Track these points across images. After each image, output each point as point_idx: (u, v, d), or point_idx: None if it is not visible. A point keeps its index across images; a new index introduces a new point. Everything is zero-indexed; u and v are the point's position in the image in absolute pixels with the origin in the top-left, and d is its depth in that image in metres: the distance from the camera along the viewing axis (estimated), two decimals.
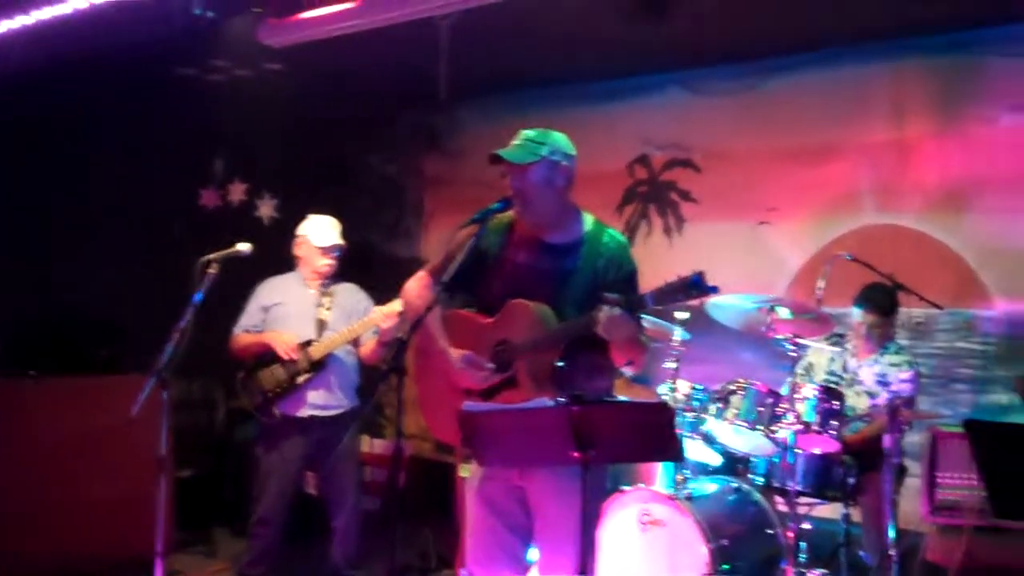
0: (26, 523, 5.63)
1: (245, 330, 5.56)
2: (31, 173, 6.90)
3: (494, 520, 3.74)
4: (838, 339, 5.63)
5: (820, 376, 5.57)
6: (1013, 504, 3.24)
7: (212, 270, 4.52)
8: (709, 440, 5.32)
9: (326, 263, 5.56)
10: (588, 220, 3.85)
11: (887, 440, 4.57)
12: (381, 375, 5.61)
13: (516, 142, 3.75)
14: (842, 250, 5.83)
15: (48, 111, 6.58)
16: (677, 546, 4.84)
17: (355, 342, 5.52)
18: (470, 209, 3.77)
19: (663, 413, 3.35)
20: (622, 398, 4.61)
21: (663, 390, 5.25)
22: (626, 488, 5.09)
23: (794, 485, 4.95)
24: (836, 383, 5.41)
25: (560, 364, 3.62)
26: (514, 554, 3.76)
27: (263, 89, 6.91)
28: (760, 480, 5.32)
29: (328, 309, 5.56)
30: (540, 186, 3.70)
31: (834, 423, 5.00)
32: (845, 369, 5.59)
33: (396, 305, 5.03)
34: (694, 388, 5.26)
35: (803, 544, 4.98)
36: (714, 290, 3.38)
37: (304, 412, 5.46)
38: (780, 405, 5.02)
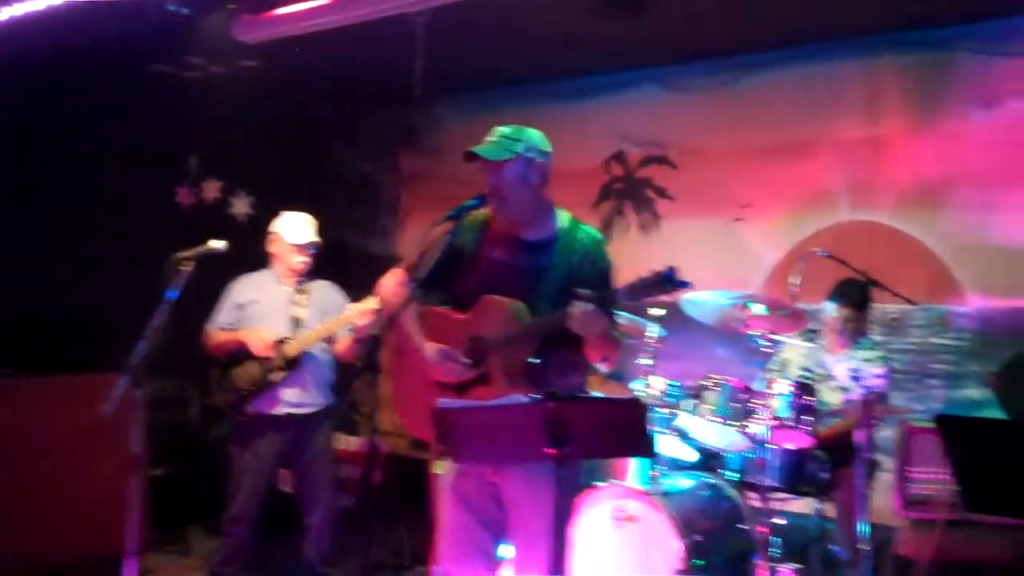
0: None
1: (220, 328, 5.54)
2: (0, 171, 6.85)
3: (468, 516, 3.74)
4: (812, 335, 5.65)
5: (794, 372, 5.59)
6: (984, 498, 3.26)
7: (186, 267, 4.50)
8: (683, 436, 5.33)
9: (301, 260, 5.55)
10: (563, 217, 3.85)
11: (859, 435, 4.59)
12: (356, 372, 5.62)
13: (491, 139, 3.74)
14: (817, 247, 5.85)
15: (19, 108, 6.52)
16: (651, 542, 4.85)
17: (330, 340, 5.51)
18: (446, 206, 3.76)
19: (636, 409, 3.35)
20: (596, 394, 4.61)
21: (638, 386, 5.26)
22: (600, 484, 5.10)
23: (768, 480, 4.96)
24: (810, 379, 5.42)
25: (534, 360, 3.63)
26: (487, 550, 3.76)
27: (238, 86, 6.88)
28: (734, 476, 5.34)
29: (303, 307, 5.55)
30: (515, 183, 3.70)
31: (808, 418, 5.02)
32: (819, 365, 5.61)
33: (371, 302, 5.02)
34: (669, 384, 5.26)
35: (776, 539, 4.98)
36: (687, 285, 3.39)
37: (279, 410, 5.44)
38: (754, 401, 5.04)
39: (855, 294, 5.51)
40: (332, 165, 8.74)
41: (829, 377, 5.55)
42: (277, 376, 5.39)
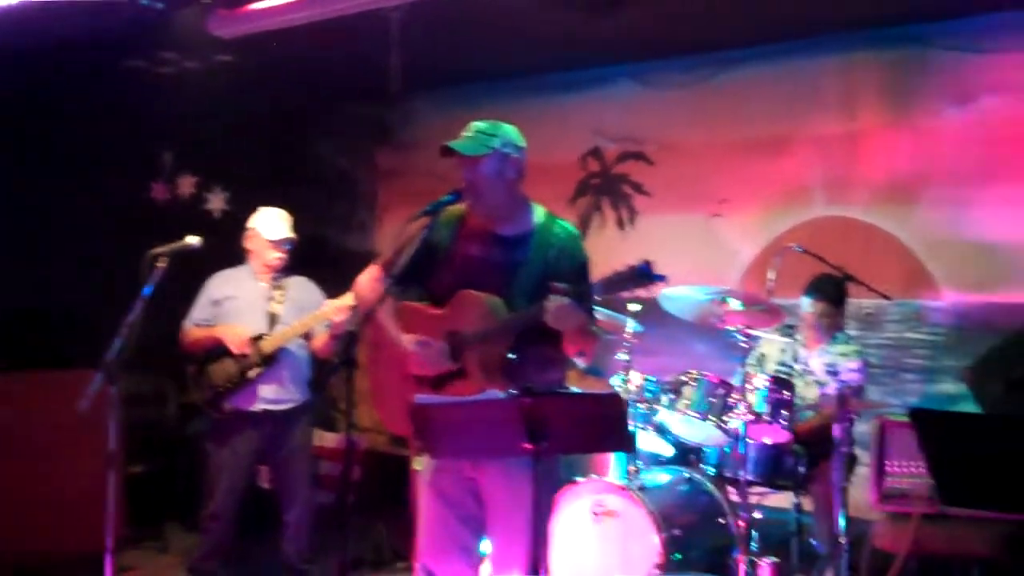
0: None
1: (196, 324, 5.51)
2: None
3: (446, 512, 3.73)
4: (789, 330, 5.67)
5: (771, 366, 5.61)
6: (959, 492, 3.27)
7: (161, 264, 4.49)
8: (661, 431, 5.35)
9: (277, 256, 5.52)
10: (539, 212, 3.85)
11: (836, 429, 4.61)
12: (333, 368, 5.60)
13: (467, 134, 3.74)
14: (793, 242, 5.88)
15: None
16: (630, 536, 4.87)
17: (307, 336, 5.49)
18: (423, 201, 3.75)
19: (615, 404, 3.36)
20: (574, 389, 4.62)
21: (616, 381, 5.27)
22: (579, 479, 5.11)
23: (745, 475, 4.98)
24: (787, 373, 5.46)
25: (512, 356, 3.63)
26: (467, 546, 3.75)
27: (213, 81, 6.83)
28: (712, 470, 5.35)
29: (279, 303, 5.53)
30: (491, 178, 3.69)
31: (785, 413, 5.04)
32: (796, 359, 5.64)
33: (348, 298, 5.01)
34: (646, 379, 5.28)
35: (755, 533, 5.01)
36: (662, 278, 3.39)
37: (256, 406, 5.42)
38: (732, 395, 5.07)
39: (831, 289, 5.53)
40: (308, 161, 8.70)
41: (806, 371, 5.57)
42: (254, 372, 5.37)
